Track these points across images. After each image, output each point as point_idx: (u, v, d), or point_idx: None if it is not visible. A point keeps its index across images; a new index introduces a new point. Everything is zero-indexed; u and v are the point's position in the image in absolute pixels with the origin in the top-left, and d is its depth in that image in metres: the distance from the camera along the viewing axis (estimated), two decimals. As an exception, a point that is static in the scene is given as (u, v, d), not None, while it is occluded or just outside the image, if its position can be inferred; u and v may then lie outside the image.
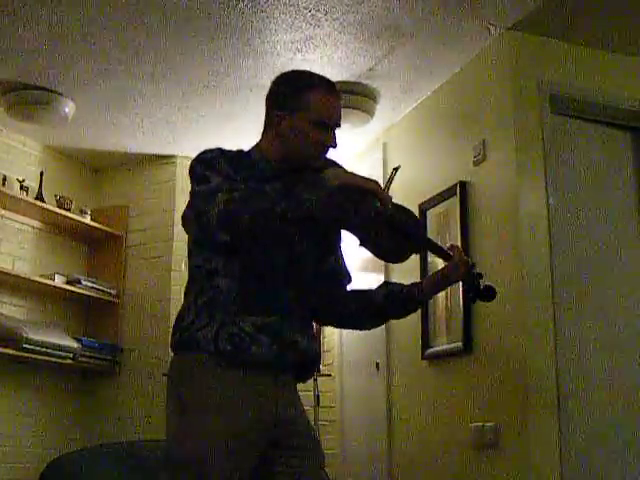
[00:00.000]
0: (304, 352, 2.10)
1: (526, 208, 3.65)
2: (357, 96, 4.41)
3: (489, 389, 3.70)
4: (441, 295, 4.14)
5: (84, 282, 5.09)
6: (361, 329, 2.41)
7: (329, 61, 4.11)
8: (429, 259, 4.24)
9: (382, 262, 4.78)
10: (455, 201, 4.05)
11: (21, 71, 4.27)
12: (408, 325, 4.44)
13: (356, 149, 5.15)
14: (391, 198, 2.03)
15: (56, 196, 5.10)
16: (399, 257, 2.23)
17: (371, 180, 1.99)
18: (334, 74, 4.25)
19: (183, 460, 1.94)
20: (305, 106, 2.11)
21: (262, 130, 2.22)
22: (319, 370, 2.26)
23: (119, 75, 4.28)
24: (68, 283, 5.01)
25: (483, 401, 3.74)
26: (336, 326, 2.47)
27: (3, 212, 4.89)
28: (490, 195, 3.87)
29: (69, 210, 5.12)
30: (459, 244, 3.95)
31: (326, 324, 2.38)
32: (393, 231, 2.16)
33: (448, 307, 4.08)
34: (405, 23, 3.75)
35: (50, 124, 4.74)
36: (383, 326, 4.79)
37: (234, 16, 3.67)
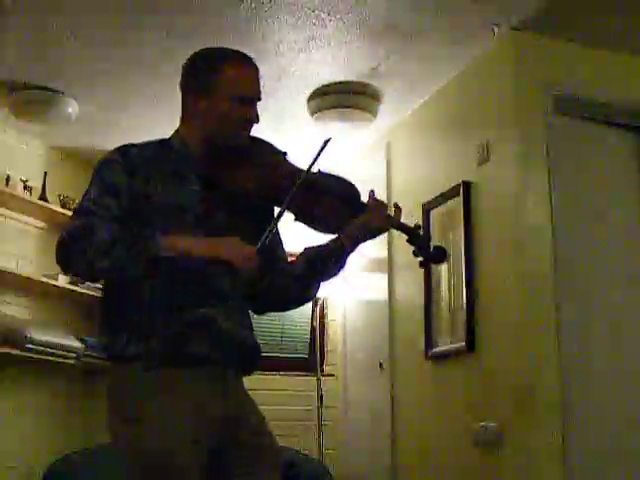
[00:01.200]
0: (241, 342, 2.03)
1: (529, 208, 3.65)
2: (360, 96, 4.40)
3: (492, 389, 3.70)
4: (444, 295, 4.14)
5: (87, 282, 5.09)
6: (299, 304, 2.28)
7: (332, 61, 4.11)
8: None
9: (385, 262, 4.78)
10: (458, 201, 4.05)
11: (24, 71, 4.28)
12: (411, 325, 4.44)
13: (359, 149, 5.15)
14: (255, 258, 1.92)
15: (60, 196, 5.10)
16: (334, 226, 2.15)
17: (226, 246, 1.91)
18: (337, 74, 4.26)
19: (139, 465, 1.90)
20: (222, 83, 2.05)
21: (180, 116, 2.16)
22: (260, 361, 2.15)
23: (122, 75, 4.28)
24: (71, 283, 5.01)
25: (486, 401, 3.74)
26: (276, 309, 2.32)
27: (7, 212, 4.89)
28: (493, 195, 3.86)
29: (73, 210, 5.11)
30: (462, 244, 3.95)
31: (265, 311, 2.27)
32: (321, 198, 2.11)
33: (451, 307, 4.08)
34: (408, 23, 3.75)
35: (53, 124, 4.74)
36: (387, 326, 4.84)
37: (237, 16, 3.67)
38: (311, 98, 4.44)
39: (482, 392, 3.77)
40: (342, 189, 2.16)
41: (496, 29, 3.79)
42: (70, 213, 5.02)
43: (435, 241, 4.23)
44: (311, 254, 2.16)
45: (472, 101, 4.11)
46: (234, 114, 2.05)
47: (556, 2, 3.55)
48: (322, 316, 5.52)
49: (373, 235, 2.17)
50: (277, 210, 2.07)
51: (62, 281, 4.93)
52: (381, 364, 4.80)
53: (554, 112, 3.79)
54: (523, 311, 3.56)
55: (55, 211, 5.00)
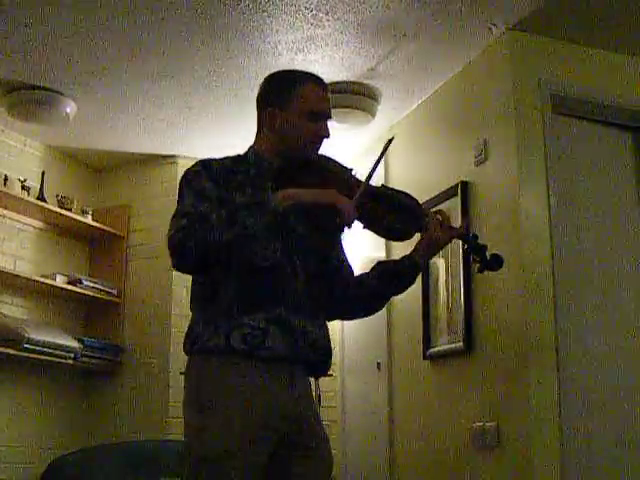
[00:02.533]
0: (315, 341, 2.13)
1: (527, 208, 3.65)
2: (358, 96, 4.40)
3: (490, 389, 3.70)
4: (442, 295, 4.15)
5: (85, 282, 5.09)
6: (366, 315, 2.44)
7: (330, 61, 4.11)
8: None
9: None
10: (456, 201, 4.05)
11: (22, 71, 4.27)
12: (409, 325, 4.45)
13: (357, 149, 5.15)
14: (353, 207, 2.07)
15: (57, 196, 5.10)
16: (402, 234, 2.28)
17: (328, 193, 2.05)
18: (335, 74, 4.26)
19: (203, 456, 1.98)
20: (298, 99, 2.19)
21: (256, 132, 2.29)
22: (330, 364, 2.27)
23: (120, 75, 4.28)
24: (69, 283, 5.01)
25: (484, 401, 3.74)
26: (344, 318, 2.51)
27: (4, 212, 4.89)
28: (491, 195, 3.87)
29: (70, 210, 5.12)
30: (460, 244, 3.94)
31: (334, 318, 2.40)
32: (390, 209, 2.24)
33: (449, 307, 4.08)
34: (406, 23, 3.75)
35: (51, 124, 4.74)
36: (385, 327, 4.84)
37: (235, 16, 3.67)
38: (309, 98, 4.44)
39: (480, 392, 3.77)
40: (407, 201, 2.31)
41: (494, 29, 3.80)
42: (68, 213, 5.09)
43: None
44: (386, 268, 2.33)
45: (470, 101, 4.12)
46: (307, 129, 2.20)
47: (555, 2, 3.55)
48: (320, 316, 5.51)
49: (441, 248, 2.33)
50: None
51: (60, 281, 4.94)
52: (379, 364, 4.80)
53: (552, 112, 3.79)
54: (521, 311, 3.56)
55: (53, 211, 5.00)
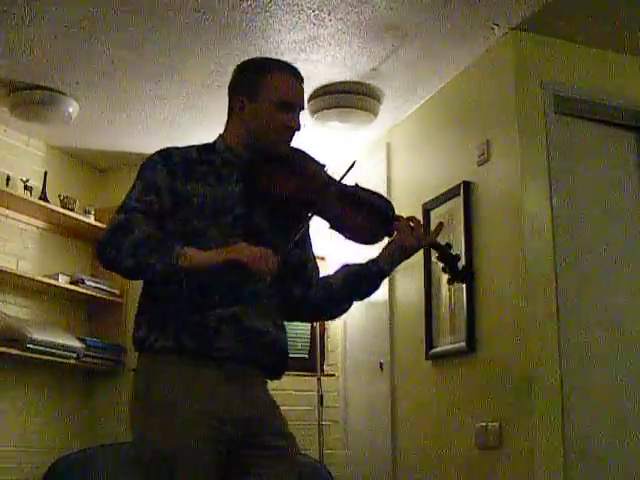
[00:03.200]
0: (271, 342, 2.07)
1: (530, 208, 3.65)
2: (361, 96, 4.40)
3: (493, 389, 3.70)
4: (445, 295, 4.14)
5: (88, 282, 5.09)
6: (329, 318, 2.39)
7: (333, 61, 4.11)
8: (432, 260, 4.24)
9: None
10: (459, 201, 4.05)
11: (25, 71, 4.27)
12: (412, 325, 4.44)
13: (359, 149, 5.15)
14: (273, 269, 1.97)
15: (60, 196, 5.10)
16: (369, 237, 2.21)
17: (236, 250, 1.96)
18: (338, 74, 4.26)
19: (151, 458, 1.95)
20: (269, 88, 2.13)
21: (226, 120, 2.23)
22: (287, 365, 2.18)
23: (123, 75, 4.28)
24: (72, 283, 5.01)
25: (487, 401, 3.74)
26: (305, 320, 2.45)
27: (7, 212, 4.89)
28: (494, 195, 3.86)
29: (73, 210, 5.12)
30: (463, 244, 3.95)
31: (295, 319, 2.34)
32: (358, 210, 2.17)
33: (452, 307, 4.07)
34: (409, 23, 3.75)
35: (54, 124, 4.74)
36: (387, 326, 4.84)
37: (237, 16, 3.67)
38: (311, 98, 4.44)
39: (482, 392, 3.77)
40: (378, 203, 2.23)
41: (496, 29, 3.79)
42: (70, 213, 5.08)
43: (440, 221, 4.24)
44: (350, 272, 2.23)
45: (472, 101, 4.11)
46: (277, 119, 2.13)
47: (556, 2, 3.55)
48: (322, 316, 5.51)
49: (409, 255, 2.23)
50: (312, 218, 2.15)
51: (62, 281, 4.94)
52: (381, 364, 4.80)
53: (555, 112, 3.79)
54: (523, 311, 3.56)
55: (55, 211, 5.00)
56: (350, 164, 2.17)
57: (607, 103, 3.92)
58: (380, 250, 2.24)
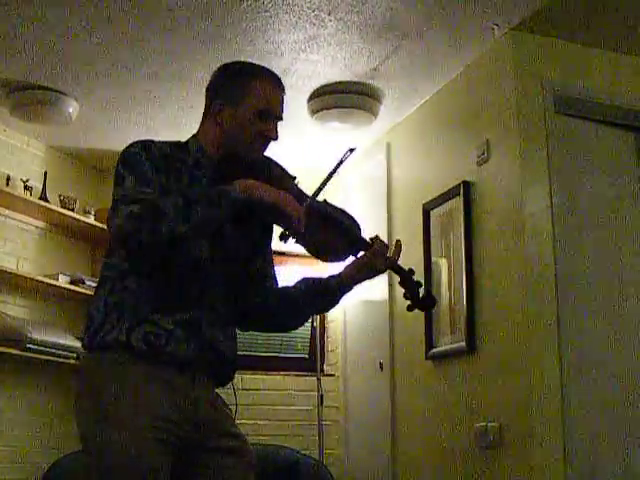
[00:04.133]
0: (222, 352, 2.03)
1: (530, 208, 3.65)
2: (361, 96, 4.40)
3: (493, 389, 3.70)
4: (445, 295, 4.14)
5: (88, 282, 5.09)
6: (285, 330, 2.37)
7: (333, 61, 4.11)
8: (432, 261, 4.24)
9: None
10: (459, 201, 4.05)
11: (25, 71, 4.28)
12: (411, 325, 4.44)
13: (359, 149, 5.15)
14: (304, 217, 1.98)
15: (60, 196, 5.10)
16: (333, 255, 2.18)
17: (288, 197, 1.96)
18: (338, 74, 4.26)
19: (103, 469, 1.87)
20: (250, 94, 2.08)
21: (201, 120, 2.19)
22: (234, 374, 2.16)
23: (123, 75, 4.28)
24: (72, 283, 5.01)
25: (487, 401, 3.74)
26: (261, 329, 2.37)
27: (7, 212, 4.89)
28: (494, 195, 3.86)
29: (73, 210, 5.12)
30: (462, 244, 3.95)
31: (250, 328, 2.29)
32: (328, 227, 2.14)
33: (452, 307, 4.08)
34: (409, 23, 3.75)
35: (54, 124, 4.74)
36: (387, 326, 4.84)
37: (237, 16, 3.68)
38: (311, 98, 4.44)
39: (482, 392, 3.77)
40: (346, 221, 2.19)
41: (496, 29, 3.80)
42: (70, 213, 5.08)
43: (435, 241, 4.25)
44: (310, 285, 2.20)
45: (472, 101, 4.12)
46: (254, 127, 2.08)
47: (556, 2, 3.55)
48: (322, 316, 5.52)
49: (372, 276, 2.20)
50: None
51: (62, 281, 4.94)
52: (381, 364, 4.80)
53: (554, 112, 3.79)
54: (523, 311, 3.56)
55: (55, 211, 5.00)
56: (347, 151, 2.15)
57: (607, 103, 3.92)
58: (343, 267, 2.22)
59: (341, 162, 2.18)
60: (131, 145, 2.04)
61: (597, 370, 3.63)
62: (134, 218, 1.85)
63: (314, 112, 4.46)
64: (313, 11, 3.64)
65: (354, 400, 5.23)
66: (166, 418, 1.90)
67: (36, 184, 4.98)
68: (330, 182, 2.18)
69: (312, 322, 5.44)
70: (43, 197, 4.96)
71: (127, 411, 1.87)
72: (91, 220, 5.24)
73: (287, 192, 2.03)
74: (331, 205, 2.20)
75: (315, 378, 5.13)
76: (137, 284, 1.96)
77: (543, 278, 3.59)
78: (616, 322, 3.74)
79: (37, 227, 5.12)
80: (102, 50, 4.01)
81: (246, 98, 2.08)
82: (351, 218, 2.22)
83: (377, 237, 2.21)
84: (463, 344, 3.90)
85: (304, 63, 4.09)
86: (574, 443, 3.45)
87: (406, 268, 2.22)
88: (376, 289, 4.81)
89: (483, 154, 3.92)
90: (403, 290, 2.21)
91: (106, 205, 6.07)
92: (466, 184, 4.02)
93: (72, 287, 4.99)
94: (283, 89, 2.16)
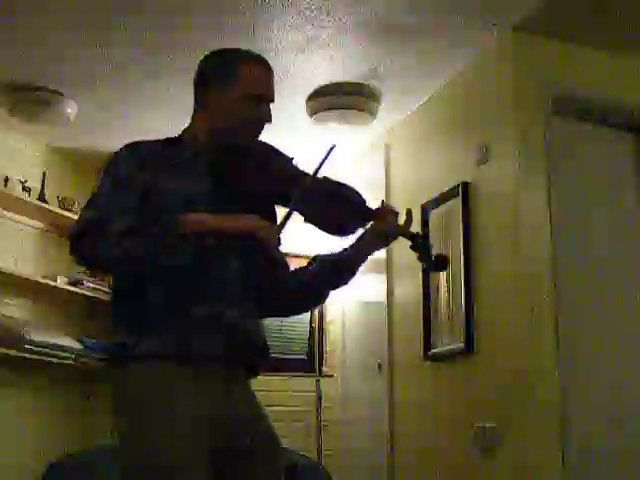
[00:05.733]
0: (252, 341, 2.03)
1: (528, 208, 3.65)
2: (359, 97, 4.40)
3: (491, 390, 3.70)
4: (443, 296, 4.14)
5: (86, 283, 5.09)
6: (303, 311, 2.33)
7: (331, 61, 4.11)
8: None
9: (383, 263, 4.78)
10: (458, 202, 4.05)
11: (23, 72, 4.28)
12: (410, 325, 4.44)
13: (358, 150, 5.15)
14: (274, 233, 1.92)
15: (58, 197, 5.09)
16: (344, 228, 2.15)
17: (246, 221, 1.91)
18: (336, 74, 4.26)
19: (137, 466, 1.87)
20: (236, 79, 2.06)
21: (192, 113, 2.16)
22: (269, 359, 2.13)
23: (122, 76, 4.28)
24: (70, 284, 5.01)
25: (485, 402, 3.74)
26: (283, 314, 2.37)
27: (5, 213, 4.89)
28: (493, 196, 3.86)
29: (71, 211, 5.11)
30: (461, 244, 3.95)
31: (272, 314, 2.28)
32: (331, 203, 2.11)
33: (450, 308, 4.07)
34: (407, 24, 3.75)
35: (52, 125, 4.74)
36: (385, 327, 4.84)
37: (237, 16, 3.67)
38: (310, 99, 4.44)
39: (481, 393, 3.77)
40: (350, 194, 2.17)
41: (495, 30, 3.80)
42: (69, 214, 5.08)
43: (434, 242, 4.24)
44: (324, 262, 2.18)
45: (471, 102, 4.12)
46: (244, 111, 2.06)
47: (556, 2, 3.55)
48: (321, 317, 5.51)
49: (384, 243, 2.17)
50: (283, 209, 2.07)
51: (61, 282, 4.93)
52: (380, 365, 4.80)
53: (553, 112, 3.79)
54: (522, 312, 3.56)
55: (54, 212, 5.00)
56: (329, 148, 2.09)
57: (606, 103, 3.92)
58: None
59: (326, 157, 2.14)
60: (121, 148, 2.05)
61: (596, 371, 3.63)
62: (84, 224, 1.89)
63: (313, 112, 4.46)
64: (312, 12, 3.64)
65: (353, 401, 5.23)
66: (200, 417, 1.90)
67: (35, 185, 4.98)
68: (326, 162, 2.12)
69: (310, 323, 5.45)
70: (42, 198, 4.96)
71: (161, 412, 1.87)
72: (90, 221, 5.23)
73: (284, 173, 2.03)
74: (332, 180, 2.17)
75: (314, 379, 5.13)
76: (148, 294, 1.94)
77: (542, 279, 3.59)
78: (615, 321, 3.75)
79: (36, 228, 5.11)
80: (101, 51, 4.00)
81: (234, 83, 2.06)
82: (352, 189, 2.19)
83: (383, 202, 2.19)
84: (461, 345, 3.90)
85: (303, 64, 4.09)
86: (572, 444, 3.45)
87: (418, 232, 2.19)
88: (375, 290, 4.81)
89: (482, 155, 3.92)
90: (416, 254, 2.18)
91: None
92: (465, 185, 4.02)
93: (70, 288, 4.99)
94: (271, 70, 2.13)
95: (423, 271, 2.23)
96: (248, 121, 2.07)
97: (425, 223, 4.32)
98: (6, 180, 4.81)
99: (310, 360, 5.40)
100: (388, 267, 4.70)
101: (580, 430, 3.49)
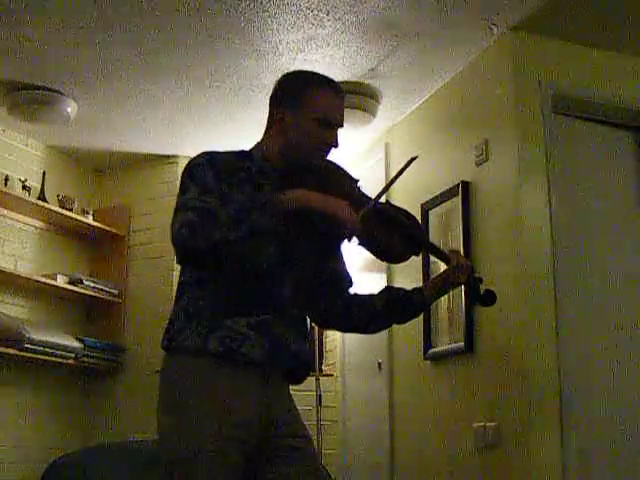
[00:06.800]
0: (296, 353, 2.09)
1: (528, 208, 3.65)
2: (359, 96, 4.40)
3: (491, 389, 3.70)
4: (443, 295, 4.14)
5: (86, 282, 5.09)
6: (364, 332, 2.42)
7: (331, 61, 4.11)
8: (431, 260, 4.24)
9: (384, 263, 4.78)
10: (457, 201, 4.05)
11: (23, 71, 4.28)
12: (410, 325, 4.42)
13: (358, 149, 5.15)
14: (358, 222, 2.02)
15: (58, 196, 5.10)
16: (397, 257, 2.24)
17: (337, 204, 2.00)
18: (336, 74, 4.25)
19: (175, 457, 1.96)
20: (310, 103, 2.13)
21: (265, 129, 2.22)
22: (309, 373, 2.23)
23: (121, 75, 4.28)
24: (70, 283, 5.01)
25: (485, 401, 3.74)
26: (339, 329, 2.50)
27: (5, 212, 4.89)
28: (492, 195, 3.87)
29: (71, 210, 5.12)
30: (461, 244, 3.95)
31: (327, 328, 2.40)
32: (391, 230, 2.18)
33: (450, 307, 4.08)
34: (407, 23, 3.75)
35: (52, 124, 4.74)
36: (385, 326, 4.81)
37: (236, 16, 3.67)
38: (310, 98, 4.44)
39: (481, 392, 3.77)
40: (408, 223, 2.23)
41: (494, 29, 3.80)
42: (69, 213, 5.08)
43: (434, 241, 4.24)
44: (393, 296, 2.29)
45: (471, 101, 4.12)
46: (315, 134, 2.13)
47: (555, 2, 3.55)
48: (321, 316, 5.51)
49: (452, 289, 2.27)
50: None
51: (60, 281, 4.94)
52: (380, 364, 4.80)
53: (553, 112, 3.79)
54: (522, 311, 3.56)
55: (54, 211, 5.00)
56: (389, 181, 2.20)
57: (606, 103, 3.92)
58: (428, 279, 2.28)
59: (405, 168, 2.21)
60: (198, 156, 2.11)
61: (596, 369, 3.63)
62: (190, 224, 1.93)
63: (313, 112, 4.46)
64: (312, 11, 3.64)
65: (353, 400, 5.23)
66: (240, 417, 1.97)
67: (34, 184, 4.99)
68: (393, 186, 2.22)
69: (310, 322, 5.44)
70: (41, 197, 4.96)
71: (203, 409, 1.96)
72: (90, 220, 5.25)
73: (348, 195, 2.09)
74: (393, 206, 2.25)
75: (314, 378, 5.12)
76: (212, 290, 2.03)
77: (542, 278, 3.59)
78: (615, 320, 3.74)
79: (35, 227, 5.12)
80: (100, 50, 4.00)
81: (305, 107, 2.13)
82: (412, 218, 2.26)
83: (456, 251, 2.26)
84: (462, 344, 3.90)
85: (302, 63, 4.09)
86: (572, 443, 3.45)
87: (480, 278, 2.24)
88: (375, 289, 4.80)
89: (482, 154, 3.92)
90: (466, 289, 2.26)
91: (105, 205, 6.04)
92: (465, 184, 4.02)
93: (70, 287, 4.99)
94: (342, 97, 2.20)
95: (472, 304, 2.29)
96: (317, 144, 2.15)
97: (425, 222, 4.32)
98: (6, 179, 4.82)
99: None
100: (388, 266, 4.70)
101: (580, 430, 3.49)
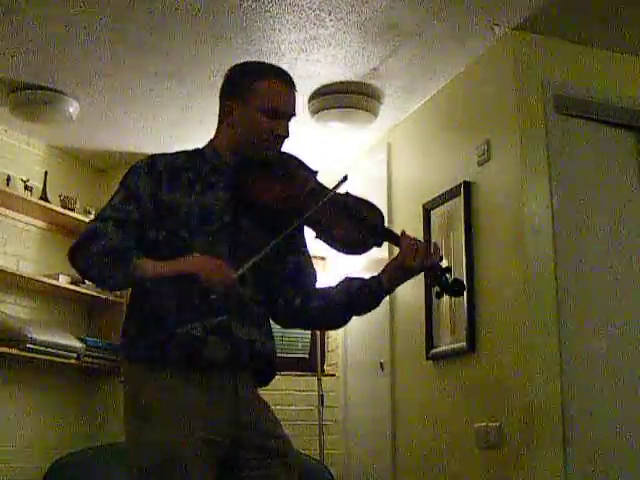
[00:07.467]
0: (258, 351, 2.05)
1: (530, 208, 3.65)
2: (361, 96, 4.40)
3: (493, 389, 3.70)
4: (445, 296, 4.13)
5: (88, 282, 5.09)
6: (327, 329, 2.41)
7: (333, 61, 4.11)
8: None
9: (385, 262, 4.78)
10: (459, 201, 4.05)
11: (25, 71, 4.28)
12: (412, 325, 4.44)
13: (360, 149, 5.15)
14: (234, 280, 1.94)
15: (60, 196, 5.10)
16: (357, 248, 2.15)
17: (211, 266, 1.93)
18: (338, 74, 4.26)
19: (143, 466, 1.93)
20: (255, 93, 2.09)
21: (217, 124, 2.20)
22: (275, 372, 2.18)
23: (123, 75, 4.28)
24: (72, 283, 5.01)
25: (487, 401, 3.74)
26: (302, 327, 2.40)
27: (7, 212, 4.89)
28: (494, 195, 3.86)
29: (73, 210, 5.12)
30: (463, 244, 3.95)
31: (293, 327, 2.31)
32: (347, 221, 2.11)
33: (452, 307, 4.07)
34: (409, 23, 3.75)
35: (54, 124, 4.75)
36: (387, 326, 4.84)
37: (238, 16, 3.68)
38: (312, 98, 4.44)
39: (483, 392, 3.77)
40: (368, 213, 2.16)
41: (496, 29, 3.79)
42: (70, 213, 5.08)
43: (436, 241, 4.24)
44: (352, 286, 2.17)
45: (472, 101, 4.12)
46: (263, 126, 2.09)
47: (556, 2, 3.55)
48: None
49: (411, 276, 2.14)
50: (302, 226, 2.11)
51: (62, 281, 4.94)
52: (382, 364, 4.80)
53: (554, 112, 3.79)
54: (524, 311, 3.56)
55: (56, 211, 5.00)
56: (341, 179, 2.10)
57: (607, 103, 3.92)
58: (383, 266, 2.18)
59: (336, 188, 2.12)
60: (139, 160, 2.11)
61: (598, 370, 3.63)
62: (83, 237, 2.00)
63: (314, 112, 4.46)
64: (313, 11, 3.64)
65: (354, 400, 5.23)
66: (205, 419, 1.94)
67: (36, 184, 4.99)
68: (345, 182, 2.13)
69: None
70: (43, 197, 4.96)
71: (166, 413, 1.93)
72: (91, 220, 5.24)
73: (302, 187, 2.06)
74: (352, 196, 2.18)
75: (315, 378, 5.13)
76: (161, 298, 1.99)
77: (543, 278, 3.58)
78: (617, 320, 3.74)
79: (37, 227, 5.12)
80: (103, 50, 4.01)
81: (252, 98, 2.09)
82: (373, 208, 2.18)
83: (403, 234, 2.15)
84: (464, 344, 3.90)
85: (304, 63, 4.09)
86: (574, 443, 3.45)
87: (448, 267, 2.15)
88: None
89: (483, 154, 3.92)
90: (428, 278, 2.17)
91: (106, 205, 5.91)
92: (466, 184, 4.02)
93: (72, 287, 4.99)
94: (291, 86, 2.15)
95: (436, 295, 2.19)
96: (267, 135, 2.10)
97: (427, 223, 4.32)
98: (8, 179, 4.82)
99: (312, 359, 5.40)
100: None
101: (582, 430, 3.49)
